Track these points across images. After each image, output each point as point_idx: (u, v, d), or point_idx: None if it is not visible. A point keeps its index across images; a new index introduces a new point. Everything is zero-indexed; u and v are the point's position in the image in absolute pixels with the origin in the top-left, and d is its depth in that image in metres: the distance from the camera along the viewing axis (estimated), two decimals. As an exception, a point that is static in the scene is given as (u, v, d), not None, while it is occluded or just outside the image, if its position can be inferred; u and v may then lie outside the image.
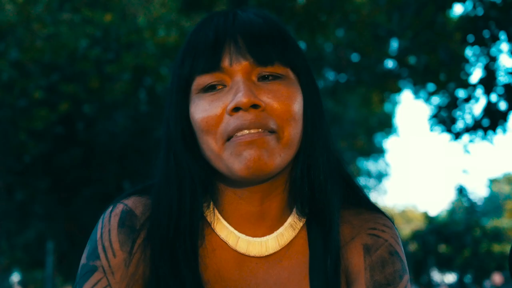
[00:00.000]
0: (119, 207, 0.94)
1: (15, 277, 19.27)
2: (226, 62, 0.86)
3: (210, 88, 0.87)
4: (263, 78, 0.87)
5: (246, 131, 0.83)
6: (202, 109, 0.86)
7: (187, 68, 0.89)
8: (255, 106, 0.84)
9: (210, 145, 0.86)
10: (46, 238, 11.28)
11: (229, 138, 0.84)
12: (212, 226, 0.93)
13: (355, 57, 11.04)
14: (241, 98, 0.83)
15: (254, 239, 0.92)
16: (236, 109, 0.84)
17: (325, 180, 0.92)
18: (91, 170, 10.74)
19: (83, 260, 0.92)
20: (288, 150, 0.86)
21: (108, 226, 0.93)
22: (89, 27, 10.15)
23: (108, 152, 10.76)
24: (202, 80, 0.87)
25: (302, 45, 9.80)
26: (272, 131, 0.84)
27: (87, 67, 9.86)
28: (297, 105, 0.87)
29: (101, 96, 10.12)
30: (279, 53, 0.88)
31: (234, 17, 0.90)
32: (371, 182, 25.17)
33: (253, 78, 0.87)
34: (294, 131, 0.87)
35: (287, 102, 0.86)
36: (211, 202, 0.93)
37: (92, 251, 0.92)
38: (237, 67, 0.86)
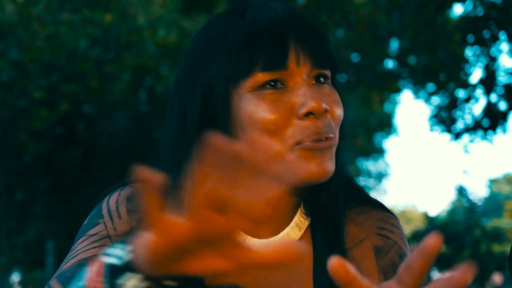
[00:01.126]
0: (128, 188, 0.93)
1: (15, 277, 19.27)
2: (292, 62, 0.84)
3: (268, 86, 0.84)
4: (317, 80, 0.87)
5: (318, 137, 0.83)
6: (268, 110, 0.83)
7: (244, 61, 0.84)
8: (324, 111, 0.84)
9: (274, 147, 0.83)
10: (46, 238, 11.30)
11: (299, 143, 0.83)
12: None
13: (355, 57, 11.03)
14: (314, 103, 0.82)
15: (260, 241, 0.91)
16: (308, 114, 0.83)
17: (338, 181, 0.92)
18: (91, 170, 10.74)
19: (84, 223, 0.91)
20: (335, 153, 0.88)
21: (115, 197, 0.92)
22: (89, 27, 10.15)
23: (108, 152, 10.77)
24: (263, 77, 0.83)
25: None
26: (334, 138, 0.86)
27: (87, 67, 9.86)
28: (342, 110, 0.89)
29: (101, 96, 10.12)
30: (332, 57, 0.88)
31: (284, 11, 0.88)
32: (371, 182, 25.17)
33: (309, 80, 0.86)
34: (338, 135, 0.88)
35: (338, 106, 0.87)
36: None
37: (96, 213, 0.91)
38: (302, 68, 0.84)
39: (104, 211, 0.90)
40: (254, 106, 0.83)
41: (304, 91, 0.83)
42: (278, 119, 0.82)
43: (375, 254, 0.92)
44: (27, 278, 18.63)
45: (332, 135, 0.85)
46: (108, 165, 10.86)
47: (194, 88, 0.88)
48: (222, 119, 0.86)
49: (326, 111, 0.83)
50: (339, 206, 0.92)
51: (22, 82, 9.63)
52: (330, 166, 0.84)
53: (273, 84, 0.84)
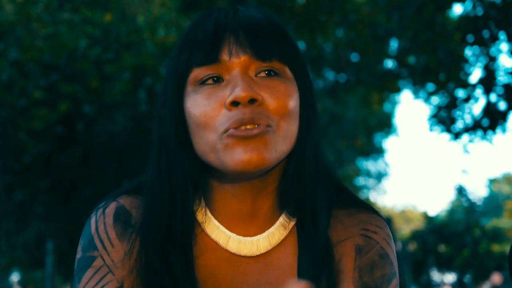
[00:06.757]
0: (112, 204, 0.93)
1: (15, 277, 19.27)
2: (225, 55, 0.85)
3: (207, 82, 0.86)
4: (260, 73, 0.87)
5: (244, 127, 0.82)
6: (200, 104, 0.85)
7: (183, 60, 0.87)
8: (252, 100, 0.83)
9: (207, 138, 0.84)
10: (46, 238, 11.28)
11: (226, 131, 0.83)
12: (203, 226, 0.92)
13: (354, 57, 11.05)
14: (240, 92, 0.82)
15: (245, 238, 0.92)
16: (235, 103, 0.83)
17: (314, 180, 0.92)
18: (91, 170, 10.74)
19: (78, 254, 0.91)
20: (283, 144, 0.86)
21: (102, 219, 0.91)
22: (88, 27, 10.15)
23: (108, 152, 10.77)
24: (199, 72, 0.86)
25: (302, 45, 9.81)
26: (268, 126, 0.84)
27: (87, 67, 9.86)
28: (293, 102, 0.87)
29: (101, 96, 10.12)
30: (278, 50, 0.87)
31: (235, 12, 0.90)
32: (370, 182, 25.18)
33: (250, 73, 0.86)
34: (289, 127, 0.86)
35: (283, 98, 0.85)
36: (202, 201, 0.92)
37: (88, 243, 0.90)
38: (236, 61, 0.85)
39: (96, 240, 0.90)
40: (191, 101, 0.87)
41: (235, 83, 0.84)
42: (208, 111, 0.84)
43: (355, 253, 0.93)
44: (26, 278, 18.63)
45: (262, 122, 0.83)
46: (108, 165, 10.86)
47: (162, 90, 0.93)
48: (173, 117, 0.89)
49: (254, 100, 0.83)
50: (320, 206, 0.92)
51: (22, 82, 9.63)
52: (261, 154, 0.82)
53: (216, 79, 0.86)
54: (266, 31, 0.87)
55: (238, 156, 0.82)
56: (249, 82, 0.84)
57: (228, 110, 0.83)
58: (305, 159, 0.91)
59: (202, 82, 0.86)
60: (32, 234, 11.69)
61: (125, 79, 10.10)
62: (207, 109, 0.84)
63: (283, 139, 0.85)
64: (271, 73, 0.87)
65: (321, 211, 0.92)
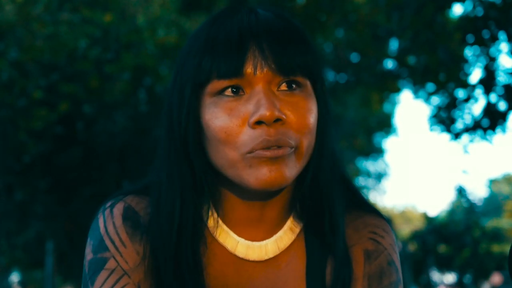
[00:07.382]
0: (120, 204, 0.92)
1: (15, 277, 19.26)
2: (249, 69, 0.82)
3: (225, 92, 0.84)
4: (282, 85, 0.85)
5: (269, 145, 0.81)
6: (220, 118, 0.83)
7: (205, 69, 0.84)
8: (277, 120, 0.82)
9: (228, 155, 0.83)
10: (46, 238, 11.28)
11: (250, 151, 0.82)
12: (212, 231, 0.91)
13: (354, 57, 11.06)
14: (265, 111, 0.80)
15: (253, 243, 0.91)
16: (259, 122, 0.81)
17: (331, 186, 0.91)
18: (91, 170, 10.74)
19: (88, 255, 0.89)
20: (303, 161, 0.86)
21: (111, 219, 0.90)
22: (88, 27, 10.15)
23: (108, 152, 10.77)
24: (220, 84, 0.83)
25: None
26: (291, 146, 0.83)
27: (87, 67, 9.86)
28: (313, 117, 0.86)
29: (101, 96, 10.12)
30: (302, 64, 0.85)
31: (257, 17, 0.86)
32: (370, 182, 25.18)
33: (272, 87, 0.84)
34: (309, 143, 0.86)
35: (305, 115, 0.84)
36: (211, 206, 0.92)
37: (99, 244, 0.89)
38: (260, 75, 0.83)
39: (107, 241, 0.89)
40: (210, 114, 0.84)
41: (258, 99, 0.82)
42: (230, 127, 0.82)
43: (364, 258, 0.94)
44: (26, 278, 18.64)
45: (286, 144, 0.82)
46: (108, 165, 10.86)
47: (175, 92, 0.89)
48: (191, 125, 0.86)
49: (279, 119, 0.81)
50: (336, 210, 0.92)
51: (22, 82, 9.63)
52: (284, 173, 0.82)
53: (235, 91, 0.83)
54: (290, 42, 0.85)
55: (262, 176, 0.81)
56: (273, 99, 0.82)
57: (252, 128, 0.82)
58: (322, 166, 0.90)
59: (220, 93, 0.84)
60: (32, 234, 11.69)
61: (125, 79, 10.10)
62: (229, 126, 0.82)
63: (304, 156, 0.85)
64: (292, 86, 0.85)
65: (340, 218, 0.92)
